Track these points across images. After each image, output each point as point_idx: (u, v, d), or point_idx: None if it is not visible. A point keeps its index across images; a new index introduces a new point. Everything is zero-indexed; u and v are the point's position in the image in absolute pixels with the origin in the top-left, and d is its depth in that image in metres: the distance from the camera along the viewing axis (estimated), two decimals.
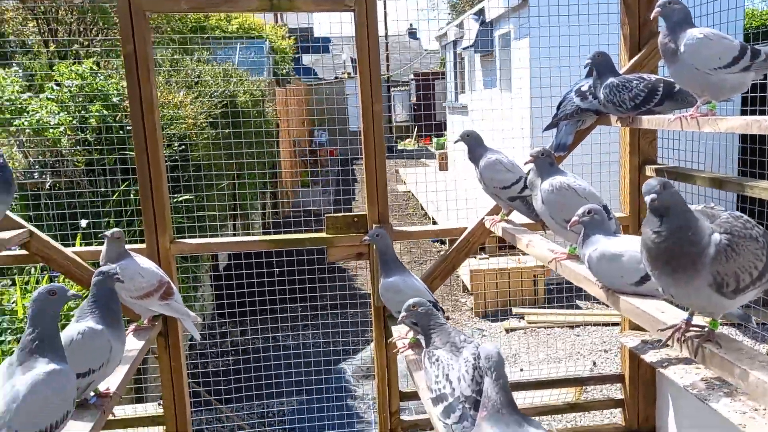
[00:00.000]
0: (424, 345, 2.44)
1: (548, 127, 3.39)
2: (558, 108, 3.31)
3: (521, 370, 6.29)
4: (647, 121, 2.83)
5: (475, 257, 9.92)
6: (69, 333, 2.27)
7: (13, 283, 4.64)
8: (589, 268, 2.17)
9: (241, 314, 5.45)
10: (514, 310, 9.01)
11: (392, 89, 25.16)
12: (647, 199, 1.63)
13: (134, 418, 3.67)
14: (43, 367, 1.77)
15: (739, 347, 1.62)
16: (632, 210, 3.62)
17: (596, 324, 8.07)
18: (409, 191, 16.21)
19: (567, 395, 4.19)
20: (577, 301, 9.22)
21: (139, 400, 4.45)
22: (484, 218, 3.50)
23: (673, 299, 1.75)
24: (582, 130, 3.38)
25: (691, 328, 1.73)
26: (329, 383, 6.80)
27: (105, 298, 2.37)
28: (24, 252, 3.34)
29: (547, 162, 2.59)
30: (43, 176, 6.09)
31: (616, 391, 5.14)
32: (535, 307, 9.08)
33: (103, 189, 5.86)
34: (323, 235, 3.55)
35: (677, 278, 1.59)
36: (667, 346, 3.32)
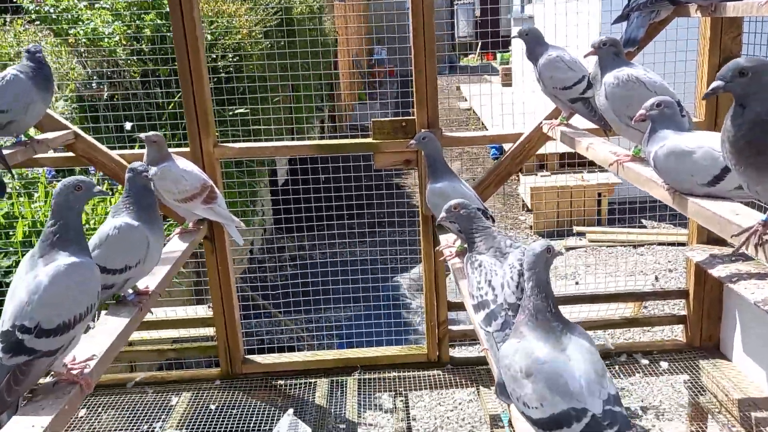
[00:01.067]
0: (467, 250, 2.30)
1: (617, 20, 3.05)
2: None
3: (576, 283, 6.11)
4: (733, 8, 2.47)
5: (536, 174, 9.61)
6: (105, 228, 2.23)
7: None
8: (654, 167, 1.94)
9: (298, 229, 5.44)
10: (575, 229, 8.73)
11: (456, 2, 24.03)
12: (717, 83, 1.38)
13: (186, 320, 3.74)
14: (64, 259, 1.73)
15: None
16: (708, 114, 3.28)
17: (661, 243, 7.72)
18: (470, 108, 15.70)
19: (625, 310, 4.02)
20: (642, 221, 8.86)
21: (200, 302, 4.55)
22: (541, 123, 3.25)
23: (758, 197, 1.52)
24: (656, 23, 3.02)
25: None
26: (384, 296, 6.83)
27: (140, 195, 2.31)
28: (70, 154, 3.33)
29: (611, 52, 2.31)
30: (101, 86, 6.11)
31: (677, 308, 4.93)
32: (598, 226, 8.78)
33: (159, 100, 5.85)
34: (369, 140, 3.39)
35: (764, 172, 1.36)
36: (740, 259, 3.08)
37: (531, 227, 9.40)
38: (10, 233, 4.30)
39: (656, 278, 6.46)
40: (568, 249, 8.40)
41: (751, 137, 1.36)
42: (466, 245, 2.96)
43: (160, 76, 5.85)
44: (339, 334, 6.24)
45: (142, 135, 2.92)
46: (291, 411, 3.32)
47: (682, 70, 3.56)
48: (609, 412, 1.47)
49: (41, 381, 1.78)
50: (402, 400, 3.51)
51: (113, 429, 3.32)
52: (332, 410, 3.45)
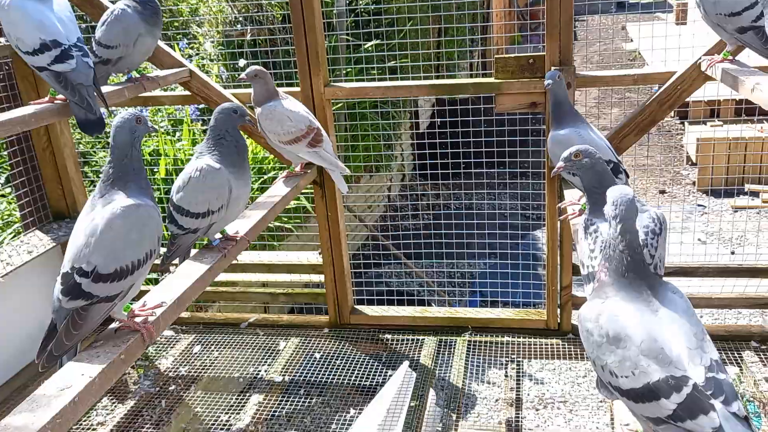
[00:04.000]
0: (587, 210, 1.93)
1: None
2: None
3: (732, 253, 5.32)
4: None
5: (707, 124, 8.53)
6: (187, 170, 2.14)
7: None
8: None
9: (438, 176, 5.21)
10: (747, 187, 7.67)
11: None
12: None
13: (295, 264, 3.68)
14: (122, 200, 1.63)
15: None
16: None
17: None
18: (636, 50, 14.30)
19: None
20: None
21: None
22: (700, 59, 2.69)
23: None
24: None
25: None
26: (521, 248, 6.44)
27: (227, 138, 2.19)
28: (186, 93, 3.32)
29: None
30: (245, 28, 6.20)
31: None
32: None
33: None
34: (491, 80, 3.02)
35: None
36: None
37: (694, 183, 8.40)
38: (155, 170, 4.49)
39: None
40: (737, 209, 7.45)
41: None
42: None
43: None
44: (472, 285, 5.99)
45: (244, 72, 2.79)
46: (406, 363, 3.16)
47: None
48: (712, 380, 1.23)
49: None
50: (514, 368, 3.22)
51: (222, 367, 3.37)
52: (437, 372, 3.24)
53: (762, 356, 3.06)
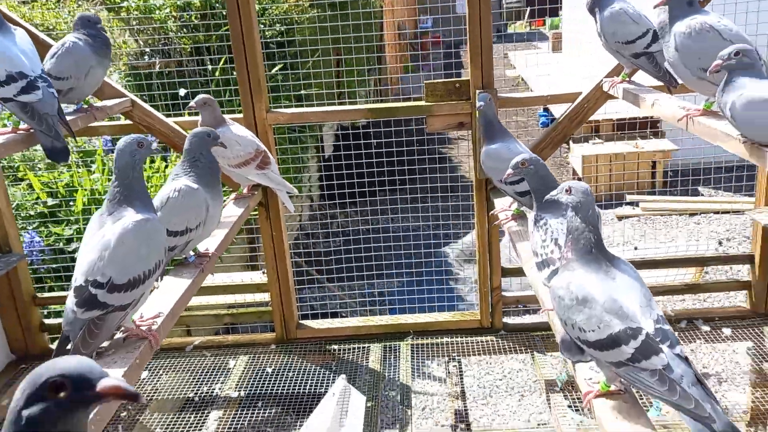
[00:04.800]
0: (534, 209, 2.24)
1: None
2: None
3: (635, 249, 5.95)
4: None
5: (589, 142, 9.38)
6: (165, 191, 2.26)
7: None
8: (730, 118, 1.84)
9: (348, 197, 5.46)
10: (628, 197, 8.50)
11: None
12: None
13: (241, 285, 3.79)
14: (131, 216, 1.76)
15: None
16: None
17: (719, 212, 7.46)
18: (519, 76, 15.37)
19: (686, 276, 3.89)
20: (700, 188, 8.56)
21: (254, 268, 4.62)
22: (602, 81, 3.13)
23: None
24: None
25: None
26: (432, 266, 6.80)
27: (202, 159, 2.33)
28: (128, 122, 3.38)
29: (684, 0, 2.19)
30: (153, 58, 6.22)
31: (741, 275, 4.76)
32: (652, 194, 8.53)
33: (210, 66, 5.91)
34: (422, 103, 3.33)
35: None
36: None
37: None
38: (71, 203, 4.42)
39: (720, 243, 6.26)
40: (621, 218, 8.21)
41: None
42: (523, 208, 2.92)
43: (210, 48, 5.90)
44: (390, 302, 6.26)
45: (194, 101, 2.93)
46: (344, 377, 3.34)
47: (754, 21, 3.38)
48: (660, 330, 1.55)
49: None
50: (455, 365, 3.51)
51: (174, 389, 3.41)
52: (386, 374, 3.47)
53: None
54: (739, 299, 4.40)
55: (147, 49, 6.33)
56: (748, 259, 3.52)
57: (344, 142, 4.67)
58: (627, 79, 2.95)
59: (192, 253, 2.41)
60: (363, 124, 7.60)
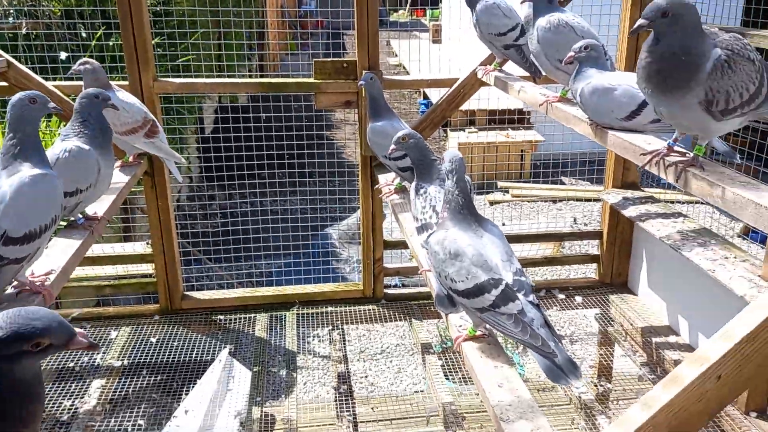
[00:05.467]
0: (414, 179, 2.45)
1: None
2: None
3: (503, 224, 6.42)
4: None
5: (464, 130, 9.88)
6: (54, 151, 2.25)
7: None
8: (580, 103, 2.15)
9: (228, 179, 5.43)
10: (499, 184, 9.09)
11: None
12: (641, 21, 1.59)
13: (124, 255, 3.75)
14: (27, 170, 1.77)
15: (722, 170, 1.64)
16: (628, 64, 3.55)
17: (578, 199, 8.21)
18: (401, 64, 15.78)
19: (546, 251, 4.34)
20: (562, 177, 9.32)
21: (127, 240, 4.54)
22: (476, 68, 3.43)
23: (663, 119, 1.76)
24: None
25: (672, 153, 1.75)
26: (315, 246, 6.95)
27: (92, 120, 2.33)
28: (3, 83, 3.24)
29: None
30: (19, 20, 5.85)
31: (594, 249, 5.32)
32: (520, 182, 9.18)
33: (84, 32, 5.66)
34: (311, 80, 3.47)
35: (668, 95, 1.59)
36: (649, 201, 3.40)
37: None
38: None
39: (575, 220, 6.90)
40: (493, 203, 8.76)
41: (660, 65, 1.58)
42: (404, 183, 3.15)
43: (83, 12, 5.66)
44: (277, 282, 6.33)
45: (77, 64, 2.88)
46: (225, 352, 3.40)
47: (606, 23, 3.82)
48: (517, 281, 1.80)
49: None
50: (339, 333, 3.70)
51: (53, 360, 3.34)
52: (273, 342, 3.59)
53: None
54: (590, 271, 4.94)
55: (11, 10, 5.95)
56: (597, 235, 3.99)
57: (224, 124, 4.67)
58: (498, 68, 3.26)
59: (81, 215, 2.41)
60: (243, 105, 7.54)
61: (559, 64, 2.40)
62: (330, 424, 3.00)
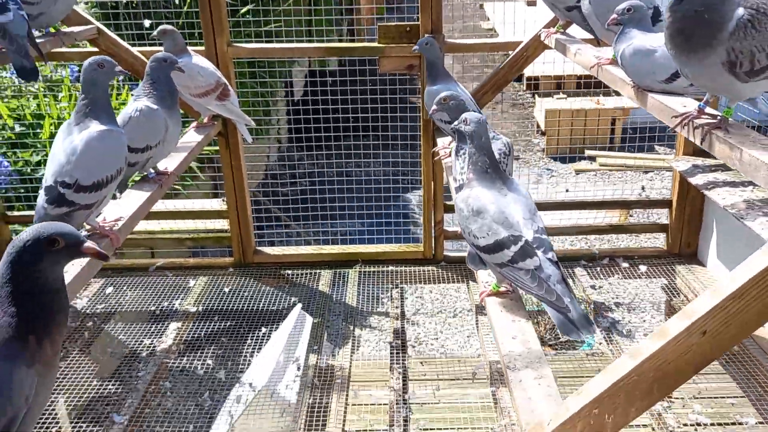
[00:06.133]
0: (456, 140, 2.52)
1: None
2: None
3: (566, 191, 6.29)
4: None
5: (552, 96, 9.63)
6: (127, 111, 2.49)
7: None
8: (621, 65, 2.13)
9: (315, 141, 5.62)
10: (586, 152, 8.83)
11: None
12: None
13: (202, 211, 4.05)
14: (96, 126, 1.99)
15: (747, 133, 1.60)
16: None
17: (669, 169, 7.83)
18: (493, 29, 15.43)
19: (612, 219, 4.25)
20: (656, 145, 8.92)
21: (216, 196, 4.86)
22: (540, 31, 3.39)
23: (689, 80, 1.73)
24: None
25: (702, 116, 1.72)
26: (395, 208, 7.09)
27: (161, 82, 2.55)
28: (94, 49, 3.55)
29: None
30: None
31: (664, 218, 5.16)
32: (610, 150, 8.87)
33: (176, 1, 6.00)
34: (375, 44, 3.56)
35: (691, 56, 1.57)
36: (720, 168, 3.28)
37: (544, 150, 9.48)
38: (38, 131, 4.59)
39: (642, 188, 6.66)
40: (578, 172, 8.53)
41: (681, 24, 1.56)
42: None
43: None
44: (345, 242, 6.55)
45: (156, 30, 3.11)
46: (299, 306, 3.63)
47: None
48: (537, 239, 1.85)
49: None
50: (398, 291, 3.84)
51: (137, 304, 3.69)
52: (334, 296, 3.79)
53: (587, 271, 3.89)
54: (660, 241, 4.78)
55: None
56: (666, 203, 3.88)
57: (313, 88, 4.82)
58: (561, 30, 3.21)
59: (152, 170, 2.66)
60: (331, 70, 7.71)
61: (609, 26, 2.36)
62: (381, 379, 3.16)
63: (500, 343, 1.77)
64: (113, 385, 3.08)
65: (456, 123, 2.02)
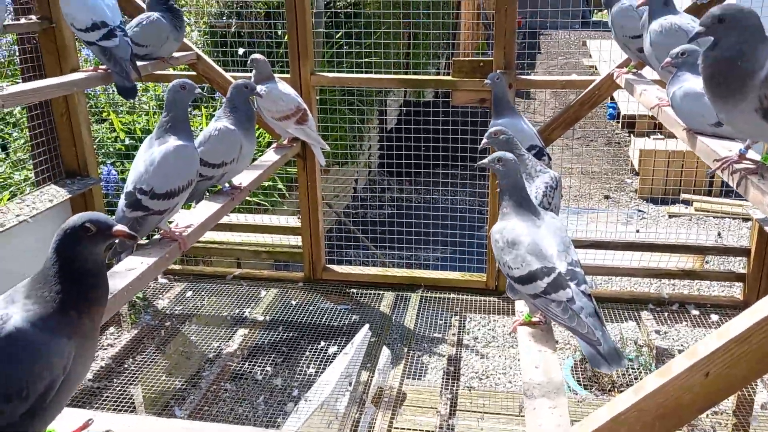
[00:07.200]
0: None
1: None
2: None
3: (637, 231, 6.07)
4: None
5: (649, 136, 9.36)
6: (207, 130, 2.74)
7: None
8: (673, 107, 2.14)
9: (401, 173, 5.77)
10: (683, 196, 8.47)
11: None
12: (698, 29, 1.59)
13: (277, 226, 4.29)
14: (173, 141, 2.23)
15: None
16: None
17: None
18: (594, 66, 15.20)
19: (687, 264, 4.10)
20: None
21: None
22: (613, 70, 3.40)
23: (725, 124, 1.73)
24: None
25: (743, 161, 1.71)
26: (468, 238, 7.12)
27: (240, 106, 2.79)
28: (193, 72, 3.90)
29: (661, 1, 2.45)
30: (230, 19, 6.77)
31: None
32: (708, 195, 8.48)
33: (280, 31, 6.42)
34: (449, 78, 3.69)
35: (726, 101, 1.58)
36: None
37: (636, 190, 9.20)
38: None
39: (719, 234, 6.32)
40: (671, 216, 8.21)
41: (712, 70, 1.58)
42: None
43: (282, 13, 6.39)
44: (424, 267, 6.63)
45: (249, 59, 3.39)
46: (366, 326, 3.76)
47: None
48: (571, 271, 1.87)
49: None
50: (457, 319, 3.89)
51: (211, 309, 3.96)
52: (394, 318, 3.90)
53: (655, 315, 3.79)
54: (735, 291, 4.55)
55: (225, 11, 6.89)
56: (744, 252, 3.72)
57: (407, 117, 5.00)
58: (633, 70, 3.21)
59: (227, 184, 2.90)
60: (425, 101, 7.90)
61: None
62: (429, 404, 3.22)
63: (523, 370, 1.82)
64: (179, 381, 3.32)
65: (487, 160, 2.09)
